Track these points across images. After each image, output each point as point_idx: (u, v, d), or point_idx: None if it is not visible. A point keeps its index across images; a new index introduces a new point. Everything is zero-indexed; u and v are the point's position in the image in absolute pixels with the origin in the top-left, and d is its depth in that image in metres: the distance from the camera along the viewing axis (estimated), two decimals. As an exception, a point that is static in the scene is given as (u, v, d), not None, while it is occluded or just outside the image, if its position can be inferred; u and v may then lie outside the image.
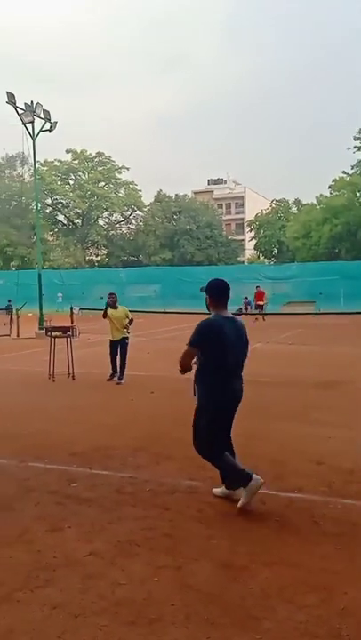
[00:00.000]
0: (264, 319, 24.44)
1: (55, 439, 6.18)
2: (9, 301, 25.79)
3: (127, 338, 10.05)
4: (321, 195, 44.05)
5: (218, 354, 4.20)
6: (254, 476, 4.15)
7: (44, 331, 16.95)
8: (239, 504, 4.14)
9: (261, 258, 53.26)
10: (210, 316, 4.36)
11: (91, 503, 4.34)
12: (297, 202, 52.49)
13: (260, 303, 27.51)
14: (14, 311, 20.48)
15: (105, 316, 10.08)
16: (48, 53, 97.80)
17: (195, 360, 4.30)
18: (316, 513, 4.12)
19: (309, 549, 3.56)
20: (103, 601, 2.97)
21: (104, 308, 10.16)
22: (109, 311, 10.07)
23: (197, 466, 5.15)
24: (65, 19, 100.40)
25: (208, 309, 4.42)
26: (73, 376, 10.19)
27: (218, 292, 4.36)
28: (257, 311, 26.48)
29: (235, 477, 4.26)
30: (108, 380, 9.97)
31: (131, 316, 10.12)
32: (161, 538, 3.72)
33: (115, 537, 3.73)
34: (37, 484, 4.80)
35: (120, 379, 9.81)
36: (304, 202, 50.33)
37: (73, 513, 4.16)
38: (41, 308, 22.35)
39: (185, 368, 4.29)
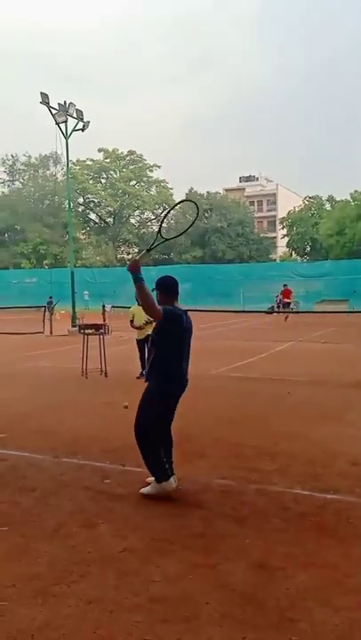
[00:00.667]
0: (286, 319, 24.24)
1: (88, 435, 6.24)
2: (50, 298, 26.01)
3: None
4: (355, 191, 43.30)
5: (177, 342, 4.37)
6: (173, 478, 4.36)
7: (76, 328, 17.15)
8: (143, 490, 4.38)
9: (294, 255, 52.67)
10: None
11: (124, 500, 4.36)
12: (330, 198, 51.68)
13: (288, 301, 27.37)
14: (49, 309, 20.76)
15: (132, 322, 10.11)
16: (78, 54, 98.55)
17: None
18: (353, 514, 4.05)
19: (346, 551, 3.50)
20: (137, 597, 2.97)
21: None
22: (134, 308, 10.13)
23: (229, 465, 5.14)
24: (95, 21, 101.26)
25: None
26: (105, 373, 10.27)
27: (166, 288, 4.50)
28: (285, 309, 26.37)
29: (157, 470, 4.36)
30: (137, 377, 10.01)
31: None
32: (195, 536, 3.71)
33: (148, 534, 3.74)
34: (71, 479, 4.85)
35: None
36: (338, 198, 49.56)
37: (107, 509, 4.18)
38: (74, 306, 22.63)
39: (145, 306, 4.33)
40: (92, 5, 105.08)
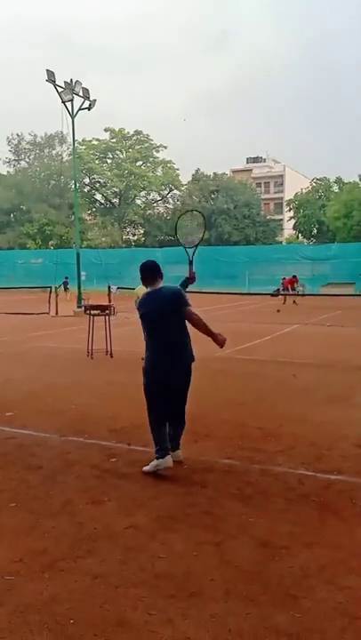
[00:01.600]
0: (285, 302, 24.31)
1: (95, 415, 6.29)
2: (66, 278, 25.66)
3: None
4: (364, 173, 42.84)
5: (145, 324, 4.61)
6: (169, 457, 4.45)
7: (82, 309, 17.17)
8: (144, 468, 4.48)
9: (300, 238, 52.34)
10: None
11: (130, 478, 4.41)
12: (338, 180, 51.09)
13: (291, 286, 27.24)
14: (54, 289, 20.75)
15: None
16: (86, 32, 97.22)
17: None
18: (356, 495, 4.08)
19: (349, 531, 3.54)
20: (143, 573, 3.02)
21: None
22: (138, 289, 10.11)
23: (235, 446, 5.18)
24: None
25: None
26: (111, 354, 10.31)
27: (141, 272, 4.68)
28: (293, 292, 26.23)
29: (155, 447, 4.51)
30: (142, 358, 10.04)
31: None
32: (200, 514, 3.75)
33: (154, 512, 3.78)
34: (78, 457, 4.90)
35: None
36: (346, 180, 49.00)
37: (113, 487, 4.23)
38: (79, 287, 22.62)
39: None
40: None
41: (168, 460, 4.42)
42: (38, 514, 3.78)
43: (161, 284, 4.64)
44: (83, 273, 29.17)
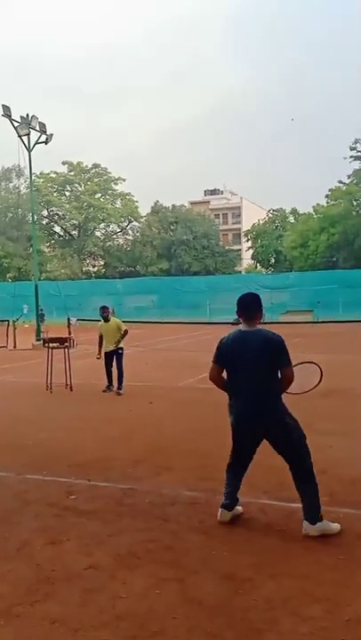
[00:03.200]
0: None
1: (53, 451, 6.13)
2: (41, 309, 24.80)
3: (121, 348, 10.04)
4: (318, 204, 44.24)
5: (228, 370, 4.12)
6: (220, 510, 4.10)
7: (40, 342, 16.90)
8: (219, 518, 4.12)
9: (259, 267, 53.31)
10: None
11: (90, 515, 4.29)
12: (294, 211, 52.61)
13: None
14: (11, 322, 20.39)
15: (101, 339, 10.11)
16: (45, 68, 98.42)
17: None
18: (319, 522, 4.06)
19: (313, 560, 3.51)
20: (104, 615, 2.91)
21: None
22: (101, 325, 10.14)
23: (197, 477, 5.12)
24: (65, 31, 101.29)
25: None
26: (71, 387, 10.13)
27: (237, 306, 4.17)
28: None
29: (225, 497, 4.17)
30: (103, 391, 9.93)
31: (124, 327, 10.13)
32: (162, 550, 3.67)
33: (115, 549, 3.68)
34: (36, 496, 4.74)
35: (119, 389, 9.76)
36: (301, 211, 50.50)
37: (72, 525, 4.10)
38: (38, 320, 22.31)
39: (215, 384, 4.29)
40: (70, 11, 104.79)
41: (221, 514, 4.10)
42: (-7, 557, 3.61)
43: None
44: (25, 306, 27.94)
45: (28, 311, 26.59)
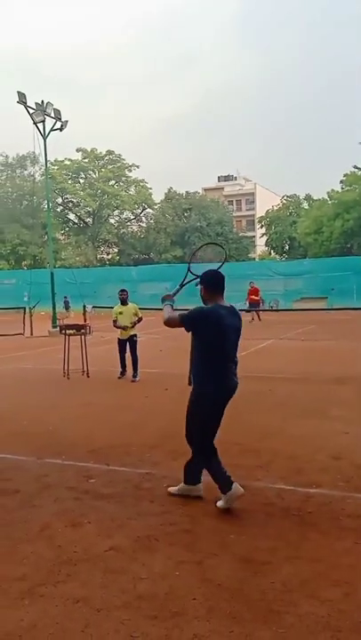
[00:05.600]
0: (260, 318, 23.46)
1: (72, 436, 6.22)
2: (65, 297, 24.44)
3: (135, 335, 10.10)
4: (332, 190, 43.73)
5: (218, 343, 4.15)
6: (235, 485, 4.09)
7: (57, 329, 17.04)
8: (218, 504, 4.12)
9: (273, 254, 53.01)
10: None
11: (109, 499, 4.37)
12: (308, 197, 52.08)
13: (256, 298, 25.52)
14: (28, 309, 20.55)
15: (115, 322, 10.13)
16: (60, 56, 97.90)
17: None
18: (335, 508, 4.11)
19: (330, 544, 3.55)
20: (125, 595, 2.99)
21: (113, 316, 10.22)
22: (117, 308, 10.19)
23: (214, 462, 5.15)
24: (77, 23, 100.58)
25: (203, 301, 4.35)
26: (87, 374, 10.23)
27: (213, 283, 4.33)
28: (252, 309, 24.36)
29: (222, 482, 4.16)
30: (118, 377, 10.01)
31: (140, 314, 10.19)
32: (180, 533, 3.73)
33: (134, 532, 3.75)
34: (56, 480, 4.83)
35: (134, 376, 9.84)
36: (315, 197, 49.99)
37: (92, 508, 4.18)
38: (54, 307, 22.45)
39: (169, 326, 4.36)
40: (71, 5, 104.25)
41: (238, 488, 4.10)
42: (16, 539, 3.70)
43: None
44: (25, 293, 27.34)
45: (29, 299, 26.37)
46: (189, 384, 4.39)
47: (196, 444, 4.33)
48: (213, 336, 4.15)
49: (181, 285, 4.70)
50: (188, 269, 4.66)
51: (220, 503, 4.14)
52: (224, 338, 4.16)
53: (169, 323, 4.32)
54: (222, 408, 4.27)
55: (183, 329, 4.28)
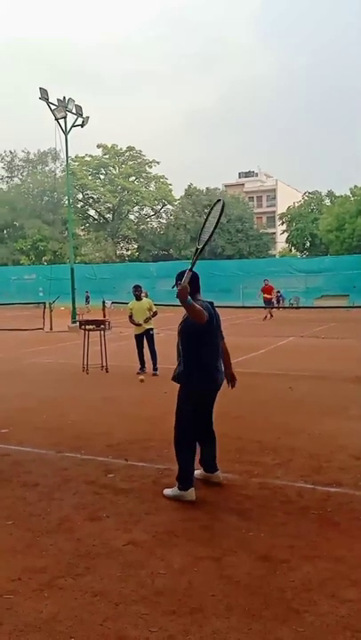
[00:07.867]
0: (272, 315, 23.60)
1: (91, 431, 6.25)
2: (87, 292, 24.47)
3: (152, 329, 10.15)
4: (355, 186, 43.25)
5: (213, 338, 4.32)
6: (192, 490, 4.21)
7: (76, 324, 17.14)
8: (165, 491, 4.30)
9: (293, 251, 52.63)
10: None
11: (127, 494, 4.38)
12: (330, 194, 51.58)
13: (268, 297, 25.70)
14: (47, 305, 20.71)
15: (130, 317, 10.19)
16: (82, 53, 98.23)
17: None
18: (356, 507, 4.07)
19: (350, 544, 3.51)
20: (143, 590, 2.99)
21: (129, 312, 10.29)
22: (132, 304, 10.26)
23: (233, 459, 5.15)
24: (96, 21, 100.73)
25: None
26: (106, 369, 10.28)
27: (197, 280, 4.34)
28: (267, 306, 24.75)
29: (182, 476, 4.24)
30: (137, 373, 10.03)
31: (155, 308, 10.26)
32: (199, 529, 3.73)
33: (153, 527, 3.75)
34: (75, 474, 4.86)
35: (155, 370, 9.88)
36: (337, 194, 49.46)
37: (110, 503, 4.20)
38: (74, 302, 22.59)
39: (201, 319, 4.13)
40: (97, 9, 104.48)
41: (192, 493, 4.21)
42: (36, 531, 3.74)
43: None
44: (40, 288, 27.41)
45: (44, 293, 26.27)
46: (173, 379, 4.40)
47: (179, 437, 4.36)
48: (213, 332, 4.31)
49: (191, 269, 4.62)
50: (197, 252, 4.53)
51: (167, 490, 4.30)
52: (217, 333, 4.39)
53: (202, 317, 4.13)
54: (213, 398, 4.46)
55: (185, 324, 4.38)
